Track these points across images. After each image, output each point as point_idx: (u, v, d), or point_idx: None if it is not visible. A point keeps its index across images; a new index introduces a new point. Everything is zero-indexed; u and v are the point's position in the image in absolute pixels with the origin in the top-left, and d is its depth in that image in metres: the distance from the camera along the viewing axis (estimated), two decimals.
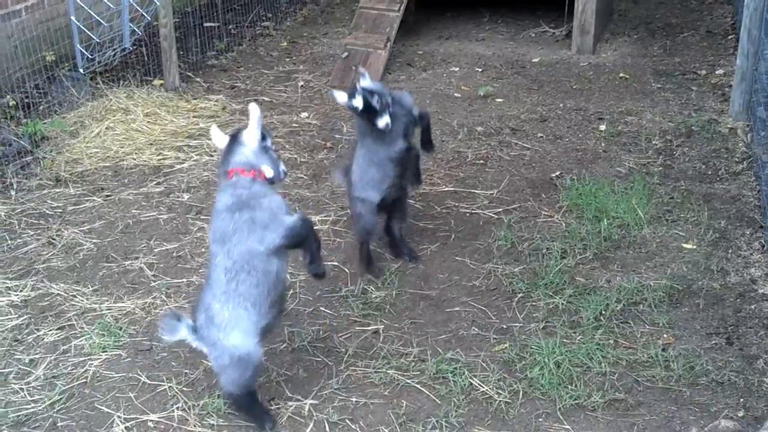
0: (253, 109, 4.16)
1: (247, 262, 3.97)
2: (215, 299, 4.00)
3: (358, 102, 4.95)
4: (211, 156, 6.88)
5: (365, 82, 5.03)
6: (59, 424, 4.28)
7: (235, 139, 4.18)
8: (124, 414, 4.31)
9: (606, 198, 6.03)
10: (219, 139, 4.26)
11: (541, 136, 7.19)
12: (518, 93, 8.07)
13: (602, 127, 7.28)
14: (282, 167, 4.23)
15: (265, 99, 7.97)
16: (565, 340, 4.75)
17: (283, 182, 4.39)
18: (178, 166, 6.76)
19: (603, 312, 4.96)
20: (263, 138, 4.14)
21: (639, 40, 9.30)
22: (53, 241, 5.79)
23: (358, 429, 4.24)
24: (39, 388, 4.53)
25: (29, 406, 4.39)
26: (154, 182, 6.53)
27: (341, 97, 5.07)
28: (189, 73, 8.42)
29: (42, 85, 7.81)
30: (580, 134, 7.22)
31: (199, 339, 4.07)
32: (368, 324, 4.96)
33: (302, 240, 4.10)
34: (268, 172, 4.12)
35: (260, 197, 4.02)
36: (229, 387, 4.09)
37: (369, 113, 4.98)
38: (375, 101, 4.94)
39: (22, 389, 4.52)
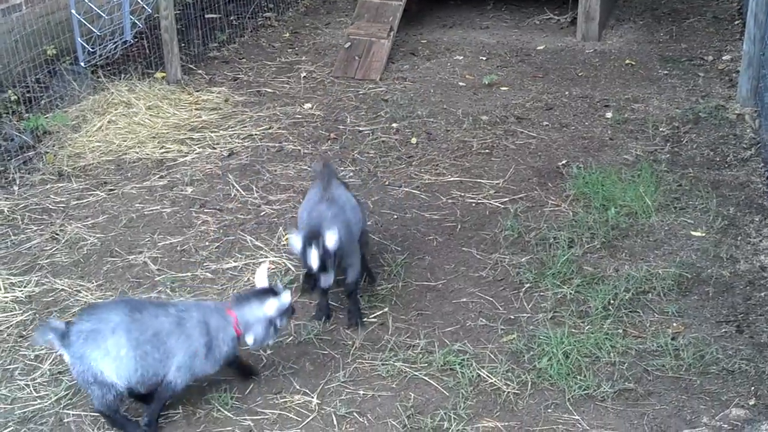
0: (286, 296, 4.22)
1: (154, 346, 3.99)
2: (113, 329, 3.95)
3: (314, 262, 4.48)
4: (214, 149, 6.84)
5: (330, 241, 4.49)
6: (65, 420, 4.25)
7: (262, 296, 4.21)
8: (131, 410, 4.27)
9: (613, 186, 5.97)
10: (260, 279, 4.31)
11: (547, 125, 7.13)
12: (523, 81, 8.00)
13: (608, 115, 7.21)
14: (269, 341, 4.33)
15: (268, 90, 7.92)
16: (573, 330, 4.71)
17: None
18: (181, 159, 6.72)
19: (611, 301, 4.92)
20: (280, 316, 4.26)
21: (645, 26, 9.22)
22: (57, 236, 5.76)
23: (365, 422, 4.21)
24: (45, 383, 4.51)
25: (35, 402, 4.37)
26: (157, 176, 6.49)
27: (296, 242, 4.56)
28: (191, 66, 8.37)
29: (43, 79, 7.76)
30: (587, 122, 7.15)
31: (65, 347, 3.99)
32: (374, 315, 4.92)
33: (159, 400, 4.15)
34: (249, 340, 4.23)
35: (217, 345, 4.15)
36: (95, 403, 4.09)
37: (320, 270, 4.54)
38: (329, 264, 4.52)
39: (27, 385, 4.50)
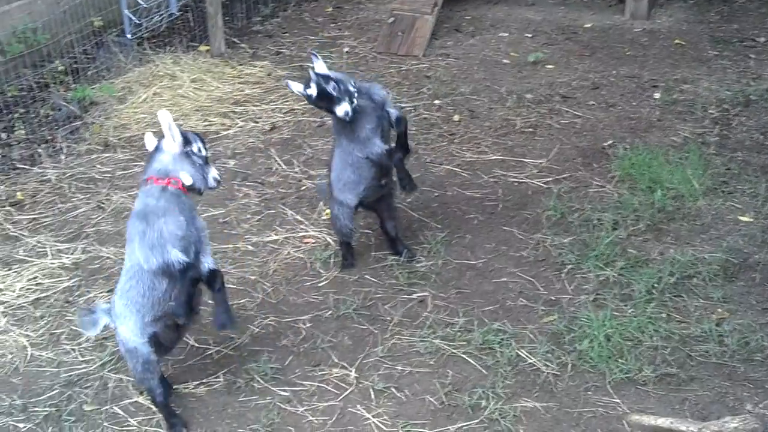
0: (163, 116, 3.84)
1: (136, 273, 3.88)
2: (116, 291, 3.99)
3: (312, 90, 4.54)
4: (256, 123, 6.86)
5: (319, 67, 4.60)
6: (109, 385, 4.32)
7: (156, 145, 3.95)
8: (173, 378, 4.33)
9: (660, 168, 5.87)
10: (149, 143, 4.01)
11: (593, 104, 7.03)
12: (569, 59, 7.88)
13: (657, 95, 7.09)
14: (213, 175, 3.99)
15: (311, 65, 7.87)
16: (615, 313, 4.65)
17: (216, 190, 4.16)
18: (224, 133, 6.74)
19: (655, 285, 4.85)
20: (187, 143, 3.91)
21: (695, 5, 9.01)
22: (102, 205, 5.83)
23: (403, 397, 4.21)
24: (90, 348, 4.58)
25: (81, 366, 4.44)
26: None
27: (296, 86, 4.66)
28: (234, 39, 8.38)
29: (90, 51, 7.83)
30: (634, 102, 7.03)
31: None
32: (414, 293, 4.91)
33: (177, 281, 3.89)
34: (187, 180, 3.90)
35: (159, 214, 3.81)
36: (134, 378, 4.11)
37: (326, 102, 4.56)
38: (331, 88, 4.51)
39: (73, 350, 4.58)
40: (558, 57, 7.94)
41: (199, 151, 3.95)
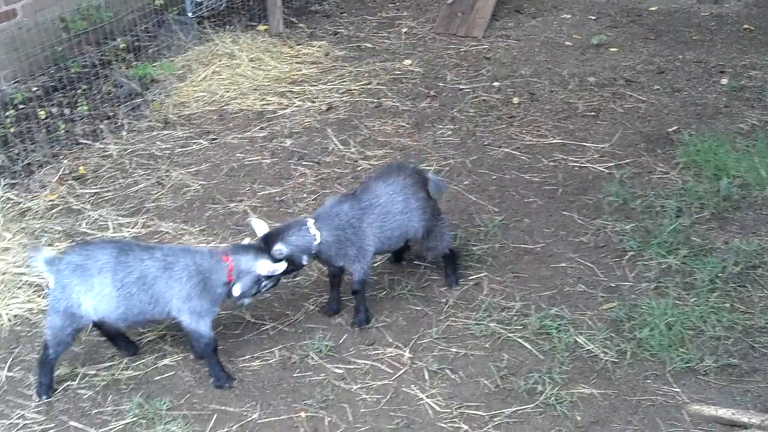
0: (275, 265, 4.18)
1: (140, 289, 4.03)
2: (100, 268, 4.02)
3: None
4: (313, 102, 6.85)
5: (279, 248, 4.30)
6: (166, 360, 4.36)
7: (258, 254, 4.20)
8: (228, 351, 4.36)
9: (726, 155, 5.71)
10: (259, 228, 4.32)
11: (658, 89, 6.87)
12: (634, 42, 7.72)
13: (724, 81, 6.90)
14: (249, 300, 4.31)
15: (368, 45, 7.87)
16: (677, 302, 4.55)
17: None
18: (281, 112, 6.75)
19: (719, 274, 4.72)
20: (268, 277, 4.23)
21: None
22: (162, 181, 5.89)
23: (457, 379, 4.18)
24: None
25: (138, 338, 4.49)
26: (258, 127, 6.55)
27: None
28: (293, 19, 8.38)
29: (151, 29, 7.90)
30: (700, 87, 6.86)
31: (53, 273, 4.08)
32: (469, 275, 4.86)
33: (200, 349, 4.22)
34: (236, 292, 4.20)
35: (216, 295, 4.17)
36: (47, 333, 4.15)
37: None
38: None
39: None
40: (622, 40, 7.78)
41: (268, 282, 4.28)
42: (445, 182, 5.18)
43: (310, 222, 4.35)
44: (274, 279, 4.28)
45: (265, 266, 4.17)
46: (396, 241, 4.64)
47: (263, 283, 4.24)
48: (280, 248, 4.24)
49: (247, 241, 4.35)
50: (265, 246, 4.26)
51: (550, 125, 6.38)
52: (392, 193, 4.51)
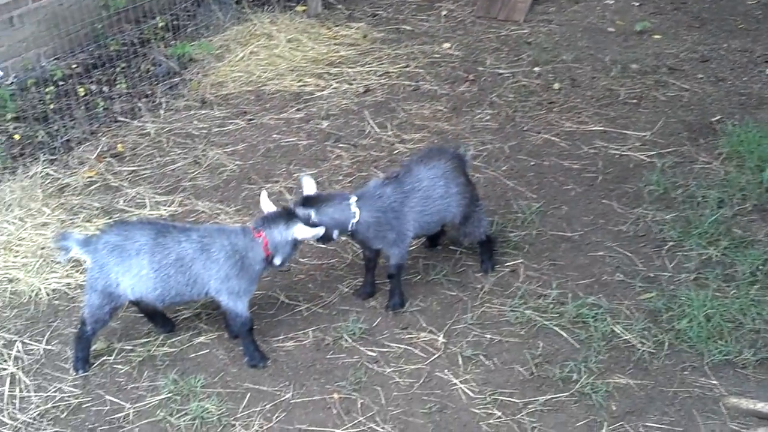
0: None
1: (178, 270, 4.05)
2: (138, 249, 4.04)
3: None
4: (351, 84, 6.82)
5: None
6: (201, 338, 4.38)
7: (289, 220, 4.16)
8: (262, 332, 4.37)
9: None
10: (307, 186, 4.29)
11: (702, 77, 6.75)
12: (678, 30, 7.58)
13: None
14: (289, 260, 4.29)
15: (407, 28, 7.81)
16: (717, 294, 4.47)
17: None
18: (318, 93, 6.73)
19: (760, 267, 4.64)
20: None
21: None
22: (199, 160, 5.90)
23: (491, 365, 4.15)
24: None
25: (174, 315, 4.51)
26: (295, 108, 6.53)
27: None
28: (331, 0, 8.34)
29: (190, 8, 7.92)
30: (745, 77, 6.72)
31: (90, 252, 4.10)
32: (506, 262, 4.82)
33: (236, 328, 4.22)
34: (278, 262, 4.21)
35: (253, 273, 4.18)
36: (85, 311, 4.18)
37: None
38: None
39: None
40: (666, 27, 7.64)
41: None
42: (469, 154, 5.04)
43: (353, 199, 4.31)
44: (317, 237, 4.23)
45: (302, 231, 4.15)
46: (434, 225, 4.61)
47: (299, 243, 4.23)
48: (310, 215, 4.19)
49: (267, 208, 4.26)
50: (302, 206, 4.21)
51: (590, 112, 6.29)
52: (433, 177, 4.47)
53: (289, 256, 4.21)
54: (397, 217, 4.37)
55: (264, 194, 4.30)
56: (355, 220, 4.28)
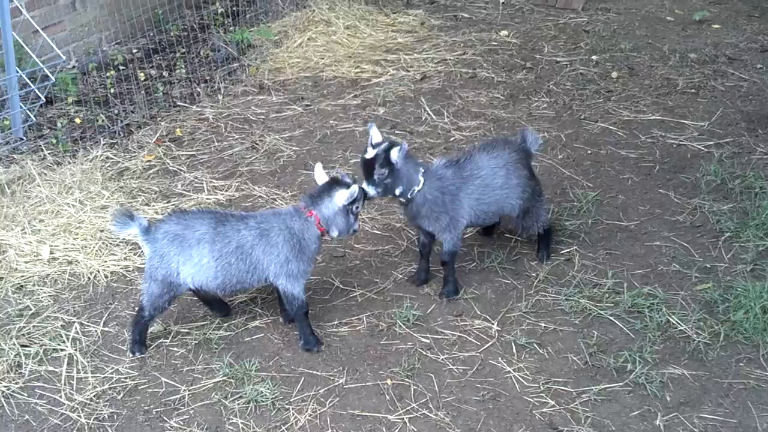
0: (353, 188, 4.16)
1: (239, 258, 4.10)
2: (199, 239, 4.08)
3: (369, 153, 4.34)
4: (408, 71, 6.85)
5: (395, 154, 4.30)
6: (256, 322, 4.46)
7: (331, 190, 4.20)
8: (317, 317, 4.44)
9: None
10: (320, 176, 4.29)
11: (761, 68, 6.64)
12: (737, 19, 7.46)
13: None
14: (354, 228, 4.29)
15: (465, 15, 7.81)
16: None
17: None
18: (375, 80, 6.77)
19: None
20: (352, 202, 4.20)
21: None
22: (256, 145, 5.99)
23: (545, 354, 4.16)
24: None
25: (229, 299, 4.56)
26: (352, 95, 6.59)
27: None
28: None
29: None
30: None
31: (149, 242, 4.14)
32: (561, 251, 4.82)
33: (293, 311, 4.25)
34: (334, 234, 4.27)
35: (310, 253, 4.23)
36: (143, 299, 4.24)
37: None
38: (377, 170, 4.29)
39: None
40: (725, 16, 7.53)
41: (357, 209, 4.27)
42: (536, 133, 4.94)
43: (422, 170, 4.37)
44: (359, 197, 4.23)
45: (341, 197, 4.18)
46: (491, 216, 4.62)
47: (353, 209, 4.23)
48: (403, 147, 4.22)
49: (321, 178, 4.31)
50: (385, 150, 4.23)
51: (648, 101, 6.24)
52: (494, 167, 4.48)
53: (346, 224, 4.24)
54: (453, 201, 4.40)
55: (319, 166, 4.34)
56: (418, 188, 4.33)
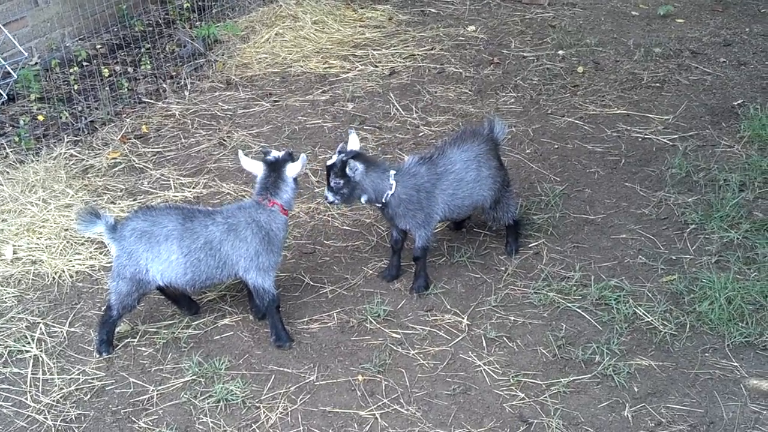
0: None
1: (208, 254, 4.10)
2: (167, 235, 4.07)
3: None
4: (376, 67, 6.84)
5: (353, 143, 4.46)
6: (226, 320, 4.44)
7: (277, 170, 4.21)
8: (287, 314, 4.42)
9: None
10: (248, 165, 4.30)
11: (724, 61, 6.73)
12: (701, 14, 7.55)
13: None
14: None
15: (432, 11, 7.82)
16: (738, 276, 4.49)
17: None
18: (344, 76, 6.76)
19: None
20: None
21: None
22: (224, 142, 5.96)
23: (514, 347, 4.19)
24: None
25: (198, 297, 4.55)
26: (320, 90, 6.57)
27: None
28: None
29: None
30: (767, 61, 6.69)
31: (115, 240, 4.12)
32: (529, 244, 4.86)
33: (264, 305, 4.24)
34: (291, 210, 4.38)
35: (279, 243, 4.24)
36: (111, 298, 4.21)
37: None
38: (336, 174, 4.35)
39: None
40: (689, 11, 7.62)
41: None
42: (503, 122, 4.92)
43: (392, 173, 4.38)
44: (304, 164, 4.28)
45: (292, 170, 4.21)
46: (464, 210, 4.64)
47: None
48: (356, 166, 4.25)
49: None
50: (353, 158, 4.28)
51: (614, 95, 6.30)
52: (466, 160, 4.51)
53: (292, 197, 4.28)
54: (428, 198, 4.42)
55: (241, 153, 4.33)
56: (390, 192, 4.35)
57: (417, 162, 4.48)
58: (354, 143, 4.39)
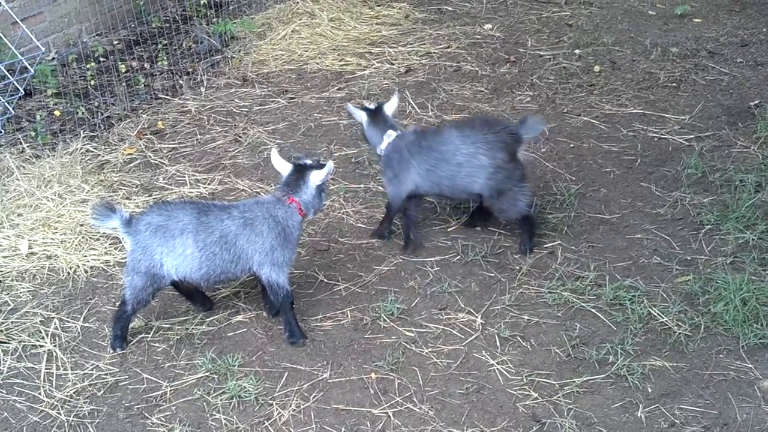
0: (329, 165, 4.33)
1: (223, 248, 4.11)
2: (182, 229, 4.08)
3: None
4: (392, 64, 6.85)
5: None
6: (239, 317, 4.45)
7: (306, 174, 4.28)
8: (301, 311, 4.43)
9: None
10: (278, 164, 4.38)
11: (741, 62, 6.69)
12: (718, 14, 7.51)
13: None
14: (324, 203, 4.52)
15: (449, 9, 7.81)
16: (753, 277, 4.46)
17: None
18: (360, 73, 6.76)
19: None
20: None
21: None
22: (240, 138, 5.97)
23: (528, 346, 4.19)
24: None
25: (212, 294, 4.58)
26: (336, 87, 6.58)
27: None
28: None
29: None
30: None
31: (130, 234, 4.13)
32: (544, 244, 4.85)
33: (278, 302, 4.25)
34: (310, 215, 4.38)
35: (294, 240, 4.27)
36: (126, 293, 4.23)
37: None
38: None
39: None
40: (706, 11, 7.57)
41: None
42: (540, 121, 4.98)
43: (392, 133, 4.75)
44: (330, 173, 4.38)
45: (316, 177, 4.26)
46: (454, 191, 4.77)
47: (324, 187, 4.35)
48: (360, 116, 4.82)
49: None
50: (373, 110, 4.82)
51: (630, 95, 6.28)
52: (460, 144, 4.61)
53: (320, 204, 4.37)
54: (400, 161, 4.70)
55: (275, 151, 4.40)
56: (382, 146, 4.75)
57: (413, 131, 4.83)
58: (392, 103, 4.84)
